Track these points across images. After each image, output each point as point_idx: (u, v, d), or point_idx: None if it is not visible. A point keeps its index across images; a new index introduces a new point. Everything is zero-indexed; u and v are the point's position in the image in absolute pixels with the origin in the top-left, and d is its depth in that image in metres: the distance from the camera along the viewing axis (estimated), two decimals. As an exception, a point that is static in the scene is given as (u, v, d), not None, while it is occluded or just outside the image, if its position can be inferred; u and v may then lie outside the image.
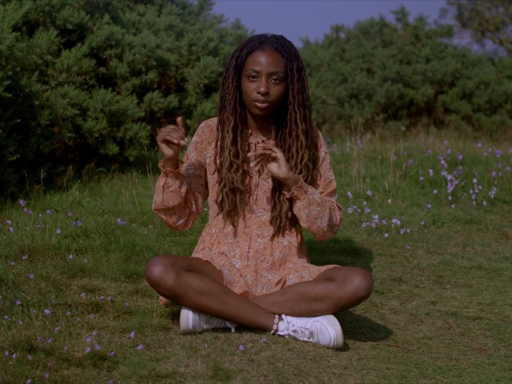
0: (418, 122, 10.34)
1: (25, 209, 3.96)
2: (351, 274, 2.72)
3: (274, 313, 2.78)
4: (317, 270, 2.85)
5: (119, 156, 5.44)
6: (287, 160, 2.88)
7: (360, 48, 11.24)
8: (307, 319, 2.75)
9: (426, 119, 10.39)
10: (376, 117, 10.05)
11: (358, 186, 5.01)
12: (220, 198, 2.91)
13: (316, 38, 18.13)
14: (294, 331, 2.75)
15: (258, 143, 2.94)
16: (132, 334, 2.62)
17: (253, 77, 2.82)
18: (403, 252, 4.02)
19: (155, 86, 6.11)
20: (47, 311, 2.71)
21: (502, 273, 3.78)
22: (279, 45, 2.85)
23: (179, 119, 2.74)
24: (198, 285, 2.69)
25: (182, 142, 2.71)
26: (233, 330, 2.77)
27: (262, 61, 2.82)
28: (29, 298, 2.83)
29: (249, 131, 2.94)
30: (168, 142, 2.73)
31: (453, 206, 4.86)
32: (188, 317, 2.71)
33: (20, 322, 2.61)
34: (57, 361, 2.36)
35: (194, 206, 2.94)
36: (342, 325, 2.80)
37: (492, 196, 5.01)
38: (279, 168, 2.77)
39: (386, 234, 4.20)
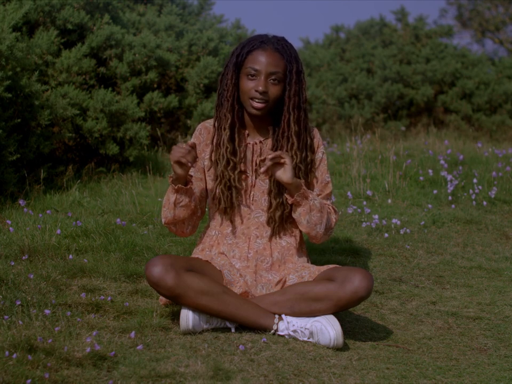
0: (418, 122, 10.34)
1: (25, 209, 3.96)
2: (351, 274, 2.72)
3: (274, 313, 2.78)
4: (317, 270, 2.85)
5: (119, 156, 5.44)
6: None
7: (360, 48, 11.23)
8: (307, 319, 2.75)
9: (426, 119, 10.38)
10: (376, 117, 10.05)
11: (358, 186, 5.01)
12: (215, 195, 2.91)
13: (316, 38, 18.13)
14: (294, 331, 2.75)
15: (256, 144, 2.94)
16: (132, 334, 2.63)
17: (252, 75, 2.82)
18: (403, 252, 4.02)
19: (155, 86, 6.11)
20: (47, 311, 2.71)
21: (502, 273, 3.78)
22: (280, 46, 2.86)
23: (190, 143, 2.73)
24: (198, 285, 2.69)
25: (194, 165, 2.78)
26: (233, 330, 2.77)
27: (262, 60, 2.82)
28: (29, 298, 2.83)
29: (247, 131, 2.94)
30: (181, 163, 2.73)
31: (453, 206, 4.86)
32: (188, 317, 2.71)
33: (20, 322, 2.61)
34: (57, 361, 2.36)
35: (199, 211, 2.95)
36: (342, 325, 2.80)
37: (492, 196, 5.01)
38: (283, 172, 2.77)
39: (386, 234, 4.20)
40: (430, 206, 4.75)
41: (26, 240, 3.44)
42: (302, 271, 2.87)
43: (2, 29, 4.42)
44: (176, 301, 2.72)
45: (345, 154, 6.07)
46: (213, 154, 2.93)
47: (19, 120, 4.42)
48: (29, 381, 2.21)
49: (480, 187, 5.11)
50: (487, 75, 10.48)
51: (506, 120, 10.16)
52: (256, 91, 2.81)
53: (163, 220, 2.88)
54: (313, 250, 3.82)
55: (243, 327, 2.79)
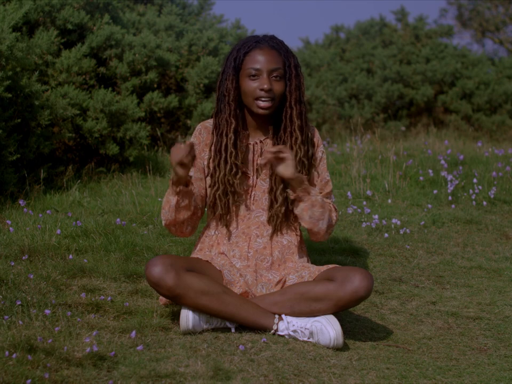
0: (418, 122, 10.34)
1: (25, 209, 3.96)
2: (351, 274, 2.72)
3: (274, 313, 2.78)
4: (317, 270, 2.85)
5: (119, 156, 5.44)
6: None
7: (360, 48, 11.23)
8: (307, 319, 2.75)
9: (426, 119, 10.38)
10: (376, 117, 10.05)
11: (358, 186, 5.01)
12: (212, 202, 2.91)
13: (316, 38, 18.13)
14: (294, 331, 2.75)
15: (257, 143, 2.94)
16: (132, 334, 2.62)
17: (254, 75, 2.82)
18: (403, 251, 4.02)
19: (155, 86, 6.11)
20: (47, 311, 2.71)
21: (502, 273, 3.78)
22: (274, 43, 2.88)
23: (189, 143, 2.69)
24: (198, 285, 2.69)
25: (194, 164, 2.79)
26: (233, 330, 2.77)
27: (261, 59, 2.83)
28: (29, 298, 2.83)
29: (248, 132, 2.94)
30: (182, 164, 2.72)
31: (453, 206, 4.86)
32: (188, 317, 2.71)
33: (20, 322, 2.61)
34: (57, 361, 2.36)
35: (199, 211, 2.95)
36: (342, 325, 2.80)
37: (492, 196, 5.01)
38: (285, 167, 2.76)
39: (386, 234, 4.20)
40: (430, 206, 4.75)
41: (26, 240, 3.45)
42: (302, 271, 2.87)
43: (2, 29, 4.42)
44: (176, 301, 2.72)
45: (345, 154, 6.07)
46: (211, 161, 2.92)
47: (19, 120, 4.42)
48: (29, 381, 2.21)
49: (480, 187, 5.11)
50: (487, 75, 10.48)
51: (506, 120, 10.16)
52: (262, 90, 2.81)
53: (163, 222, 2.87)
54: (313, 250, 3.82)
55: (243, 327, 2.79)
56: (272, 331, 2.76)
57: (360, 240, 4.13)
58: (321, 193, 2.96)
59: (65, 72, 5.27)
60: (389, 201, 4.84)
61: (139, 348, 2.53)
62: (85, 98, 5.20)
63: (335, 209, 2.97)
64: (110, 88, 5.42)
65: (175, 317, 2.85)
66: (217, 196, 2.88)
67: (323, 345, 2.71)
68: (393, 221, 4.36)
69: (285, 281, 2.87)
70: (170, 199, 2.80)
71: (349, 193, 4.85)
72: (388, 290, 3.44)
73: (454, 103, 10.28)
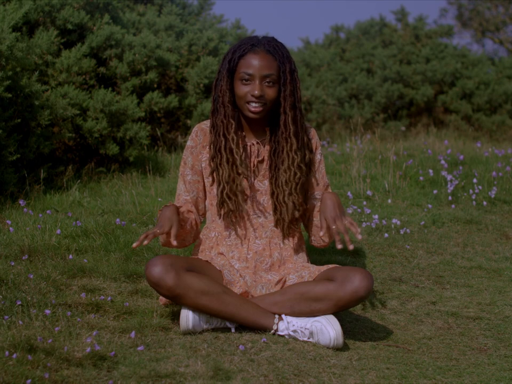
0: (418, 122, 10.34)
1: (25, 209, 3.96)
2: (351, 274, 2.72)
3: (274, 313, 2.78)
4: (317, 270, 2.85)
5: (119, 156, 5.44)
6: (282, 162, 2.88)
7: (360, 48, 11.23)
8: (307, 319, 2.75)
9: (426, 119, 10.38)
10: (376, 117, 10.05)
11: (358, 186, 5.01)
12: (220, 201, 2.90)
13: (316, 38, 18.12)
14: (294, 331, 2.75)
15: (253, 145, 2.94)
16: (132, 334, 2.63)
17: (246, 80, 2.81)
18: (403, 251, 4.02)
19: (155, 86, 6.11)
20: (47, 311, 2.71)
21: (502, 273, 3.78)
22: (271, 47, 2.84)
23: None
24: (198, 285, 2.69)
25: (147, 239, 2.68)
26: (233, 330, 2.77)
27: (255, 64, 2.81)
28: (29, 298, 2.83)
29: (243, 133, 2.94)
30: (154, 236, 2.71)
31: (453, 206, 4.86)
32: (188, 317, 2.71)
33: (20, 322, 2.61)
34: (57, 361, 2.36)
35: (198, 217, 2.96)
36: (342, 325, 2.80)
37: (492, 196, 5.01)
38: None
39: (386, 234, 4.20)
40: (430, 206, 4.75)
41: (26, 240, 3.45)
42: (302, 271, 2.87)
43: (2, 29, 4.42)
44: (176, 301, 2.72)
45: (345, 154, 6.07)
46: (211, 161, 2.92)
47: (19, 120, 4.42)
48: (29, 381, 2.21)
49: (480, 187, 5.11)
50: (487, 75, 10.48)
51: (506, 120, 10.16)
52: (252, 95, 2.80)
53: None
54: (313, 250, 3.82)
55: (243, 327, 2.79)
56: (272, 331, 2.76)
57: (360, 240, 4.13)
58: (322, 196, 2.96)
59: (65, 72, 5.27)
60: (389, 201, 4.84)
61: (139, 348, 2.53)
62: (85, 98, 5.20)
63: None
64: (110, 88, 5.42)
65: (175, 317, 2.85)
66: (224, 195, 2.88)
67: (323, 345, 2.71)
68: (393, 221, 4.36)
69: (284, 281, 2.87)
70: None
71: (349, 193, 4.85)
72: (388, 290, 3.44)
73: (454, 103, 10.28)
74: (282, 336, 2.76)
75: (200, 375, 2.37)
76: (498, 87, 10.36)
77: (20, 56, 4.49)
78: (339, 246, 2.64)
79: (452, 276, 3.71)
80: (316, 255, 3.77)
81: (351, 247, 2.63)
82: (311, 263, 3.13)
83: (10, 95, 4.29)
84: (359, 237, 2.64)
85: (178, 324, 2.77)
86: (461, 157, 5.77)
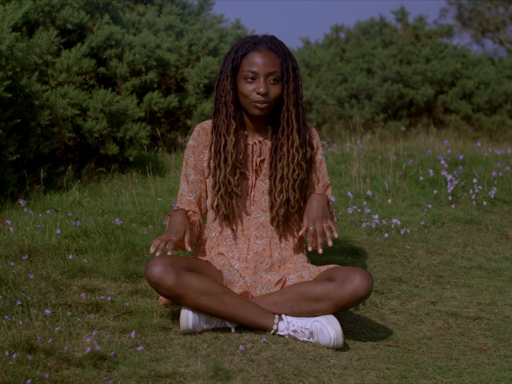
0: (418, 122, 10.34)
1: (25, 209, 3.96)
2: (351, 274, 2.72)
3: (274, 313, 2.78)
4: (317, 270, 2.85)
5: (119, 156, 5.44)
6: (279, 159, 2.89)
7: (360, 48, 11.23)
8: (307, 319, 2.75)
9: (426, 119, 10.38)
10: (376, 117, 10.05)
11: (358, 186, 5.01)
12: (215, 203, 2.91)
13: (316, 38, 18.12)
14: (294, 331, 2.75)
15: (255, 144, 2.94)
16: (132, 334, 2.63)
17: (251, 78, 2.82)
18: (403, 252, 4.02)
19: (155, 86, 6.11)
20: (47, 311, 2.71)
21: (502, 273, 3.78)
22: (273, 45, 2.85)
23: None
24: (198, 285, 2.69)
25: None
26: (233, 330, 2.77)
27: (258, 61, 2.81)
28: (29, 298, 2.83)
29: (246, 132, 2.94)
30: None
31: (453, 206, 4.86)
32: (188, 317, 2.71)
33: (20, 322, 2.61)
34: (57, 361, 2.36)
35: (201, 217, 2.97)
36: (342, 325, 2.80)
37: (492, 196, 5.01)
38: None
39: (386, 234, 4.20)
40: (430, 206, 4.75)
41: (26, 240, 3.44)
42: (302, 271, 2.87)
43: (2, 29, 4.42)
44: (176, 301, 2.72)
45: (345, 154, 6.07)
46: (211, 162, 2.92)
47: (19, 120, 4.42)
48: (29, 381, 2.21)
49: (480, 187, 5.11)
50: (487, 75, 10.48)
51: (506, 120, 10.16)
52: (258, 93, 2.81)
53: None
54: (313, 250, 3.81)
55: (243, 327, 2.79)
56: (272, 331, 2.76)
57: (360, 240, 4.13)
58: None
59: (65, 72, 5.27)
60: (389, 201, 4.84)
61: (139, 348, 2.53)
62: (85, 98, 5.20)
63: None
64: (110, 88, 5.42)
65: (175, 317, 2.85)
66: (219, 196, 2.89)
67: (323, 345, 2.71)
68: (393, 221, 4.36)
69: (285, 281, 2.87)
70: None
71: (349, 193, 4.85)
72: (388, 290, 3.44)
73: (454, 103, 10.28)
74: (282, 336, 2.76)
75: (200, 375, 2.37)
76: (498, 87, 10.36)
77: (20, 56, 4.49)
78: (309, 248, 2.71)
79: (451, 276, 3.70)
80: (316, 255, 3.77)
81: (320, 251, 2.69)
82: (311, 263, 3.13)
83: (10, 95, 4.29)
84: (330, 243, 2.70)
85: (178, 324, 2.77)
86: (461, 157, 5.77)
